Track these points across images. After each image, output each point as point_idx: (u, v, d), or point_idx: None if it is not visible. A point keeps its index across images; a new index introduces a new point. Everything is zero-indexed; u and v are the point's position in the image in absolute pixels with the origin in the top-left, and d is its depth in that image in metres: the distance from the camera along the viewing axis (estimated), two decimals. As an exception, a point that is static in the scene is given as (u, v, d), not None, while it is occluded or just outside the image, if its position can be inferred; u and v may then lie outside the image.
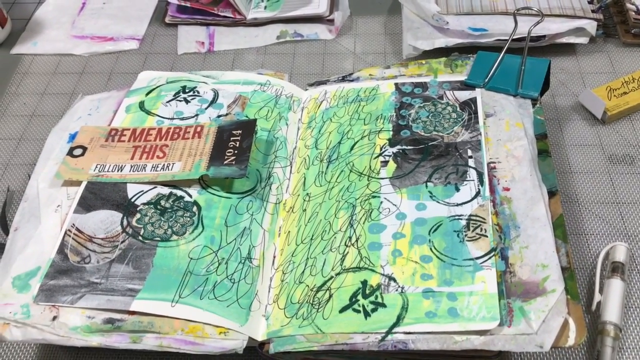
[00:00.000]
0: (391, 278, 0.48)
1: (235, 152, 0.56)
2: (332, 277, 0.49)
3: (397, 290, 0.47)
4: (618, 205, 0.59)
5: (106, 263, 0.49)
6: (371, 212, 0.53)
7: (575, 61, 0.73)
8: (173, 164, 0.56)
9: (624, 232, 0.57)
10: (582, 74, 0.72)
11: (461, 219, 0.51)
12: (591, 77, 0.71)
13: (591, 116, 0.67)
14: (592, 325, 0.51)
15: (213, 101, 0.63)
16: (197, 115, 0.62)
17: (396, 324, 0.45)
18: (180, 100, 0.63)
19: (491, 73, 0.62)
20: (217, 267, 0.50)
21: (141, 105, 0.63)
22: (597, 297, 0.52)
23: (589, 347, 0.51)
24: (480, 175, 0.54)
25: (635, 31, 0.74)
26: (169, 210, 0.53)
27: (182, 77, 0.66)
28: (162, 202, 0.53)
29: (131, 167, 0.56)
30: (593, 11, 0.73)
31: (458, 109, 0.60)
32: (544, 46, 0.73)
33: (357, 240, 0.51)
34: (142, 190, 0.54)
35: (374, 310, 0.46)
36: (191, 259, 0.50)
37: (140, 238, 0.51)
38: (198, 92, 0.64)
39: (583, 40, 0.72)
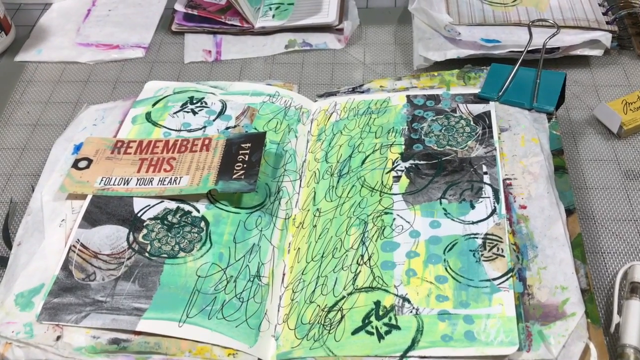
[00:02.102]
0: (405, 299, 0.47)
1: (245, 165, 0.55)
2: (344, 297, 0.48)
3: (411, 311, 0.46)
4: (636, 222, 0.58)
5: (112, 280, 0.48)
6: (384, 230, 0.51)
7: (589, 74, 0.72)
8: (180, 177, 0.55)
9: (642, 251, 0.56)
10: (596, 87, 0.70)
11: (477, 238, 0.49)
12: (606, 90, 0.70)
13: (606, 130, 0.66)
14: (610, 348, 0.50)
15: (221, 112, 0.62)
16: (204, 127, 0.60)
17: (411, 347, 0.44)
18: (187, 112, 0.62)
19: (505, 86, 0.61)
20: (226, 285, 0.48)
21: (148, 117, 0.61)
22: (616, 318, 0.50)
23: (608, 371, 0.49)
24: (496, 192, 0.52)
25: (650, 43, 0.73)
26: (177, 225, 0.52)
27: (190, 87, 0.65)
28: (169, 217, 0.52)
29: (137, 180, 0.55)
30: (608, 23, 0.72)
31: (472, 122, 0.59)
32: (557, 58, 0.72)
33: (369, 259, 0.50)
34: (149, 205, 0.53)
35: (387, 332, 0.45)
36: (199, 276, 0.48)
37: (146, 255, 0.50)
38: (206, 103, 0.63)
39: (597, 52, 0.71)
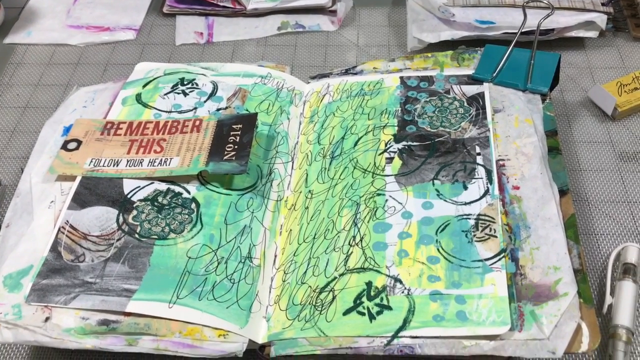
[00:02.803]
0: (397, 279, 0.46)
1: (235, 147, 0.54)
2: (335, 278, 0.48)
3: (403, 292, 0.45)
4: (629, 204, 0.58)
5: (101, 262, 0.48)
6: (376, 211, 0.51)
7: (584, 56, 0.71)
8: (171, 159, 0.54)
9: (636, 232, 0.56)
10: (591, 69, 0.70)
11: (469, 219, 0.49)
12: (600, 72, 0.70)
13: (601, 112, 0.65)
14: (603, 328, 0.50)
15: (212, 94, 0.61)
16: (195, 108, 0.60)
17: (402, 327, 0.43)
18: (178, 93, 0.61)
19: (499, 67, 0.60)
20: (217, 266, 0.48)
21: (138, 98, 0.61)
22: (608, 299, 0.50)
23: (600, 351, 0.49)
24: (489, 173, 0.52)
25: (646, 25, 0.72)
26: (167, 207, 0.51)
27: (180, 68, 0.64)
28: (160, 199, 0.52)
29: (127, 161, 0.54)
30: (603, 4, 0.71)
31: (465, 104, 0.58)
32: (552, 40, 0.71)
33: (361, 240, 0.49)
34: (139, 186, 0.52)
35: (379, 313, 0.45)
36: (189, 258, 0.48)
37: (136, 236, 0.49)
38: (197, 84, 0.62)
39: (592, 34, 0.70)
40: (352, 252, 0.49)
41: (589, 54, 0.72)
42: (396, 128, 0.57)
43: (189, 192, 0.52)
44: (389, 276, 0.46)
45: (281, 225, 0.53)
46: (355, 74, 0.64)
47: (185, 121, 0.57)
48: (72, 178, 0.53)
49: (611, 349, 0.47)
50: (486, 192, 0.51)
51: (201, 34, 0.77)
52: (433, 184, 0.52)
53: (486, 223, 0.48)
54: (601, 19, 0.70)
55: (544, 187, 0.50)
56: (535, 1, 0.68)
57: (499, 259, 0.46)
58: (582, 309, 0.43)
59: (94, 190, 0.52)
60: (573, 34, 0.70)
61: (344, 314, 0.45)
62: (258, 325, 0.46)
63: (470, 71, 0.61)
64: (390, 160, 0.55)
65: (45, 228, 0.50)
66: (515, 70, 0.60)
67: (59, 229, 0.50)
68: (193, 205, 0.51)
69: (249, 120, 0.56)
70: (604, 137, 0.63)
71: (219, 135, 0.55)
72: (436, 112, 0.58)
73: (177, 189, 0.52)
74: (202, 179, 0.53)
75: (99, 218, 0.50)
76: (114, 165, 0.54)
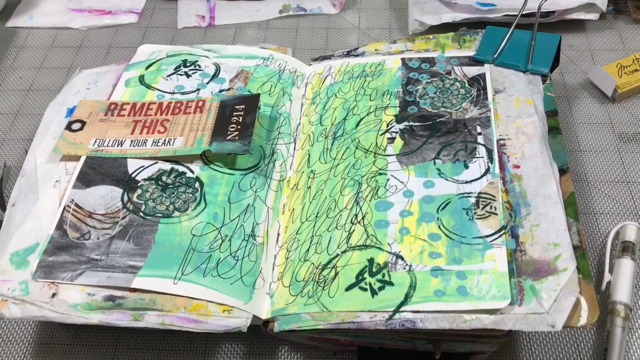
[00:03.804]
0: (399, 256, 0.47)
1: (238, 127, 0.54)
2: (337, 255, 0.48)
3: (404, 268, 0.46)
4: (628, 184, 0.58)
5: (106, 239, 0.48)
6: (378, 190, 0.52)
7: (584, 38, 0.72)
8: (174, 139, 0.55)
9: (634, 212, 0.56)
10: (591, 51, 0.70)
11: (470, 197, 0.49)
12: (601, 54, 0.70)
13: (601, 94, 0.66)
14: (602, 305, 0.50)
15: (215, 75, 0.61)
16: (198, 89, 0.60)
17: (404, 302, 0.44)
18: (181, 75, 0.61)
19: (500, 48, 0.61)
20: (221, 244, 0.49)
21: (141, 79, 0.61)
22: (607, 277, 0.51)
23: (599, 327, 0.50)
24: (489, 152, 0.52)
25: (646, 8, 0.72)
26: (171, 186, 0.52)
27: (183, 50, 0.64)
28: (164, 178, 0.52)
29: (131, 142, 0.55)
30: (604, -14, 0.71)
31: (466, 84, 0.58)
32: (552, 22, 0.72)
33: (363, 218, 0.50)
34: (143, 166, 0.53)
35: (381, 288, 0.45)
36: (194, 235, 0.49)
37: (141, 214, 0.50)
38: (199, 66, 0.62)
39: (593, 16, 0.71)
40: (354, 230, 0.49)
41: (590, 36, 0.72)
42: (398, 109, 0.58)
43: (192, 172, 0.53)
44: (390, 253, 0.47)
45: (284, 205, 0.54)
46: (357, 55, 0.64)
47: (189, 102, 0.58)
48: (77, 158, 0.54)
49: (609, 325, 0.48)
50: (487, 171, 0.51)
51: (203, 17, 0.77)
52: (434, 163, 0.52)
53: (487, 201, 0.49)
54: (602, 1, 0.70)
55: (544, 165, 0.51)
56: (536, -17, 0.68)
57: (500, 236, 0.47)
58: (581, 284, 0.44)
59: (99, 170, 0.53)
60: (574, 16, 0.71)
61: (347, 289, 0.46)
62: (262, 301, 0.47)
63: (471, 52, 0.61)
64: (392, 140, 0.55)
65: (51, 207, 0.51)
66: (516, 52, 0.60)
67: (64, 208, 0.50)
68: (197, 185, 0.52)
69: (251, 101, 0.57)
70: (603, 119, 0.64)
71: (222, 116, 0.56)
72: (437, 93, 0.58)
73: (180, 168, 0.53)
74: (206, 158, 0.54)
75: (104, 197, 0.51)
76: (118, 146, 0.54)
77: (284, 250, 0.50)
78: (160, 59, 0.63)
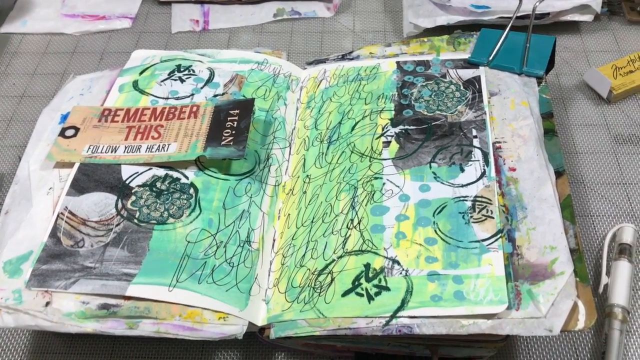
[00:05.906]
0: (395, 261, 0.47)
1: (233, 132, 0.54)
2: (333, 260, 0.48)
3: (401, 273, 0.46)
4: (624, 186, 0.58)
5: (100, 247, 0.48)
6: (373, 194, 0.51)
7: (579, 39, 0.72)
8: (169, 144, 0.54)
9: (631, 214, 0.56)
10: (586, 53, 0.70)
11: (466, 200, 0.49)
12: (596, 56, 0.70)
13: (596, 95, 0.66)
14: (599, 308, 0.50)
15: (209, 80, 0.61)
16: (192, 94, 0.60)
17: (401, 307, 0.44)
18: (175, 80, 0.61)
19: (495, 51, 0.60)
20: (216, 250, 0.48)
21: (135, 85, 0.61)
22: (604, 279, 0.51)
23: (597, 330, 0.50)
24: (485, 155, 0.52)
25: (641, 9, 0.72)
26: (165, 192, 0.51)
27: (177, 55, 0.64)
28: (158, 184, 0.52)
29: (125, 148, 0.54)
30: (598, -12, 0.71)
31: (462, 87, 0.58)
32: (547, 24, 0.72)
33: (359, 223, 0.50)
34: (137, 172, 0.53)
35: (377, 294, 0.45)
36: (189, 242, 0.48)
37: (135, 221, 0.49)
38: (193, 70, 0.62)
39: (588, 17, 0.71)
40: (350, 235, 0.49)
41: (584, 37, 0.72)
42: (393, 112, 0.57)
43: (187, 178, 0.52)
44: (386, 258, 0.47)
45: (279, 210, 0.53)
46: (352, 59, 0.64)
47: (183, 107, 0.57)
48: (70, 165, 0.53)
49: (607, 328, 0.48)
50: (483, 174, 0.51)
51: (197, 21, 0.77)
52: (430, 167, 0.52)
53: (483, 204, 0.49)
54: (596, 3, 0.70)
55: (540, 168, 0.50)
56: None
57: (496, 240, 0.46)
58: (578, 288, 0.44)
59: (92, 177, 0.52)
60: (568, 17, 0.71)
61: (343, 295, 0.45)
62: (257, 308, 0.47)
63: (466, 55, 0.61)
64: (387, 144, 0.55)
65: (44, 214, 0.50)
66: (511, 54, 0.60)
67: (58, 215, 0.50)
68: (191, 191, 0.52)
69: (246, 106, 0.56)
70: (599, 120, 0.63)
71: (216, 121, 0.56)
72: (433, 96, 0.58)
73: (175, 174, 0.53)
74: (200, 164, 0.53)
75: (98, 204, 0.51)
76: (112, 152, 0.54)
77: (280, 256, 0.50)
78: (154, 64, 0.63)
